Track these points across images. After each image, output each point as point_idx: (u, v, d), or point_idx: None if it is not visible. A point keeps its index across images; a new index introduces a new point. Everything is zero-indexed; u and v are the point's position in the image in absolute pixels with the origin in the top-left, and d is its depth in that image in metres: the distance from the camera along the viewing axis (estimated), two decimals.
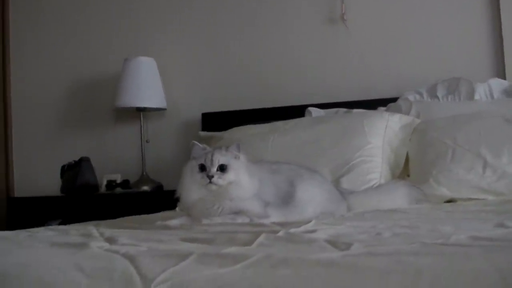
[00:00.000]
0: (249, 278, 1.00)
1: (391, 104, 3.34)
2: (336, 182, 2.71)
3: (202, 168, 2.00)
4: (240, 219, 1.98)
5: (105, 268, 1.12)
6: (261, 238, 1.46)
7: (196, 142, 2.12)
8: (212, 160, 1.98)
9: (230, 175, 1.99)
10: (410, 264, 1.04)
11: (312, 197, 2.19)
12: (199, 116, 3.95)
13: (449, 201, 2.64)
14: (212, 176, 1.96)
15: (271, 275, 1.02)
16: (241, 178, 2.01)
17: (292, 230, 1.65)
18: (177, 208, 2.61)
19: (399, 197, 2.47)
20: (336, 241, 1.35)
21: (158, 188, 3.83)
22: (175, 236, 1.62)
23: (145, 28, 4.18)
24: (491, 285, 0.90)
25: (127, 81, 3.80)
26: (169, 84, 4.02)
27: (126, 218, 2.45)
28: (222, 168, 1.98)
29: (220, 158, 1.99)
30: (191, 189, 2.06)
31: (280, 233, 1.58)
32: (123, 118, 4.19)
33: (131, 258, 1.19)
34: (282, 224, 1.81)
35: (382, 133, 2.99)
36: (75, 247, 1.46)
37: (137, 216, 2.49)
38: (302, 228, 1.70)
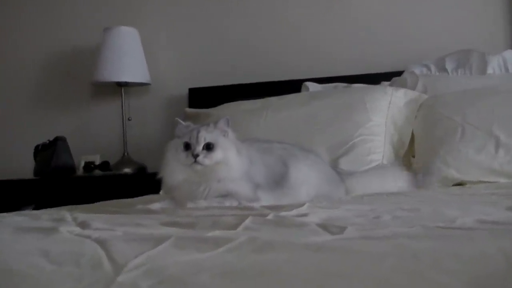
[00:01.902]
0: (230, 263, 1.00)
1: (396, 78, 3.32)
2: (334, 163, 2.71)
3: (187, 146, 1.99)
4: (228, 202, 1.97)
5: (72, 253, 1.12)
6: (248, 221, 1.47)
7: (179, 120, 2.12)
8: (197, 137, 1.97)
9: (217, 154, 1.98)
10: (408, 247, 1.04)
11: (307, 178, 2.19)
12: (186, 92, 3.93)
13: (458, 184, 2.64)
14: (198, 155, 1.95)
15: (254, 259, 1.01)
16: (229, 157, 2.01)
17: (283, 213, 1.66)
18: (161, 192, 2.61)
19: (401, 180, 2.47)
20: (329, 225, 1.35)
21: (141, 170, 3.83)
22: (156, 220, 1.62)
23: None
24: (495, 268, 0.89)
25: (107, 53, 3.78)
26: (153, 57, 3.99)
27: (105, 202, 2.45)
28: (209, 147, 1.97)
29: (206, 135, 1.98)
30: (175, 170, 2.06)
31: (269, 217, 1.58)
32: (102, 93, 4.17)
33: (102, 243, 1.19)
34: (273, 208, 1.81)
35: (385, 110, 2.98)
36: (43, 232, 1.46)
37: (117, 200, 2.49)
38: (294, 212, 1.70)
